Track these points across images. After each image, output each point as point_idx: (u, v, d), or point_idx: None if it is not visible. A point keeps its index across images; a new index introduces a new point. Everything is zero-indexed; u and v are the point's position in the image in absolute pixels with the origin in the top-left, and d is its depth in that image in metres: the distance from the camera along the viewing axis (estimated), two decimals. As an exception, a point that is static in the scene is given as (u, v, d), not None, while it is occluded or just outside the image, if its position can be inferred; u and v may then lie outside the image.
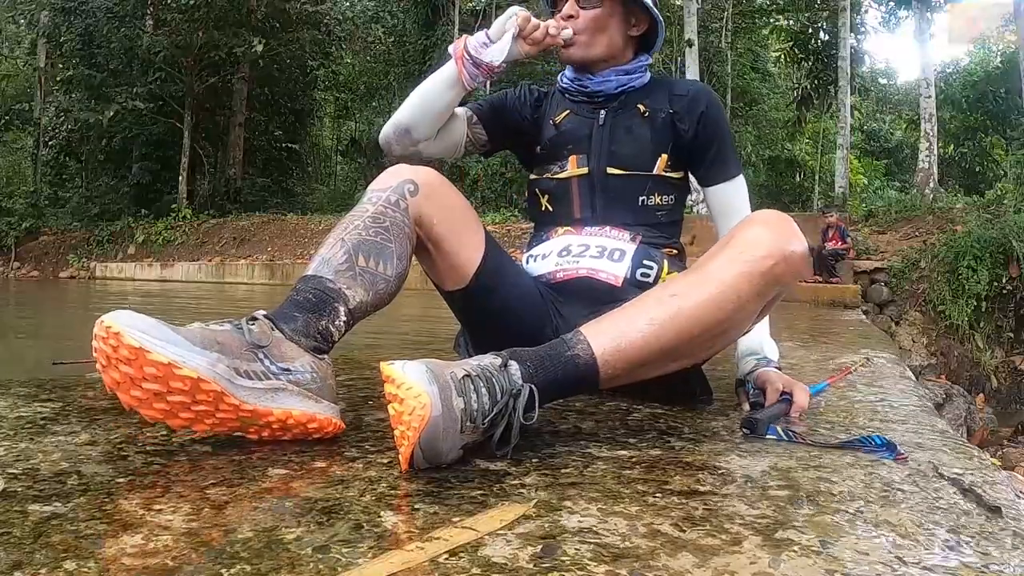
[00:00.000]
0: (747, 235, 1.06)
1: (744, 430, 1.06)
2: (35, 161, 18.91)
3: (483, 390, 0.85)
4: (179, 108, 16.53)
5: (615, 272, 1.29)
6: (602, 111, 1.41)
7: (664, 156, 1.37)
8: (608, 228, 1.36)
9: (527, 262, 1.40)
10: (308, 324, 0.98)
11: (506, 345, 0.99)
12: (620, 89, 1.41)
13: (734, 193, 1.39)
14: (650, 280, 1.30)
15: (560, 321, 1.26)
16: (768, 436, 1.04)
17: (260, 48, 15.11)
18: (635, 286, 1.26)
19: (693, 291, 1.01)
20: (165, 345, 0.82)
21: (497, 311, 1.26)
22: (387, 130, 1.41)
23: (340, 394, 1.10)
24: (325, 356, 0.99)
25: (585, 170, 1.39)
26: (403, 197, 1.13)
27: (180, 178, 16.58)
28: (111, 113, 15.41)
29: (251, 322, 0.93)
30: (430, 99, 1.37)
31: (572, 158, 1.40)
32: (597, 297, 1.25)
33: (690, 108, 1.38)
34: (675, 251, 1.40)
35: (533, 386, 0.89)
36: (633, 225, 1.36)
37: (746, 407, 1.23)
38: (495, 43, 1.32)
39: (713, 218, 1.41)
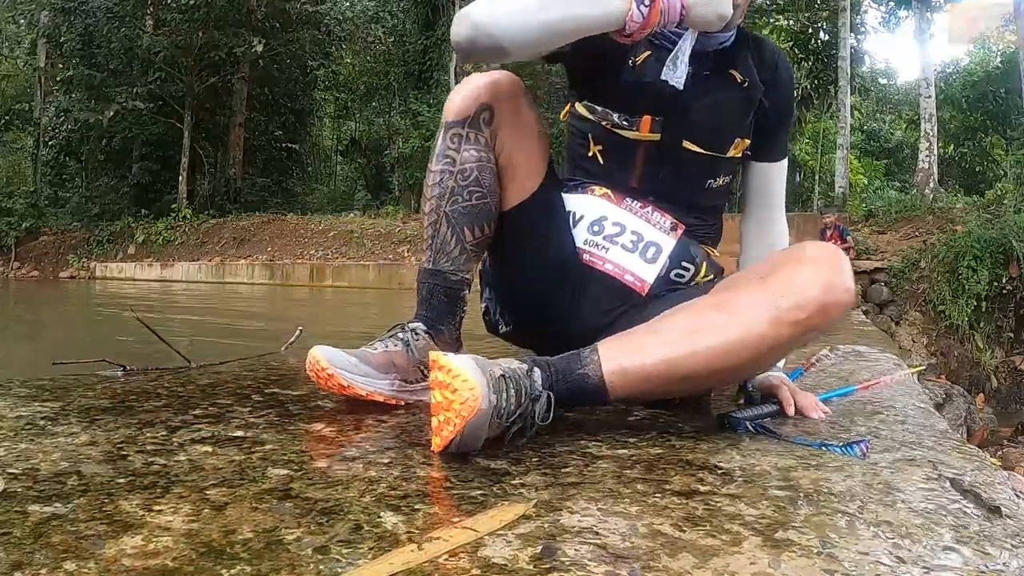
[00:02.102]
0: (794, 278, 0.96)
1: (726, 426, 1.05)
2: (35, 161, 18.92)
3: (511, 391, 0.88)
4: (179, 108, 16.54)
5: (643, 276, 1.19)
6: (690, 68, 1.15)
7: (745, 140, 1.23)
8: (651, 209, 1.21)
9: None
10: (451, 331, 1.21)
11: (520, 290, 1.17)
12: (720, 45, 1.21)
13: (778, 175, 1.30)
14: (684, 281, 1.21)
15: (580, 297, 1.20)
16: (739, 430, 1.03)
17: (260, 48, 15.12)
18: (666, 289, 1.19)
19: (719, 331, 0.95)
20: (364, 380, 1.10)
21: (524, 249, 1.23)
22: (473, 38, 1.06)
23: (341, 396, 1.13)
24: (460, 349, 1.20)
25: (657, 137, 1.20)
26: (480, 131, 1.15)
27: (180, 178, 16.59)
28: (111, 113, 15.42)
29: (416, 337, 1.16)
30: (562, 29, 1.05)
31: (646, 119, 1.19)
32: (618, 297, 1.19)
33: (776, 80, 1.24)
34: (715, 250, 1.30)
35: (551, 393, 0.93)
36: (684, 209, 1.23)
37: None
38: None
39: (748, 193, 1.31)
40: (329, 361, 1.07)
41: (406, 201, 15.83)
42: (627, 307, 1.18)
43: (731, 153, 1.24)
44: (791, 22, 17.76)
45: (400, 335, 1.17)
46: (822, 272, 0.96)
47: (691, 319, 0.99)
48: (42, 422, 1.00)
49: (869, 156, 23.00)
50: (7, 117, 19.16)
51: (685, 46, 1.10)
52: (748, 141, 1.25)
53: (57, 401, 1.14)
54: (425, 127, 15.15)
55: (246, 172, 18.09)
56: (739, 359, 0.96)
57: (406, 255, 12.09)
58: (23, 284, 14.59)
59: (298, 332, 1.93)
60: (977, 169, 18.97)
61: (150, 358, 1.60)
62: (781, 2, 17.29)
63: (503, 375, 0.89)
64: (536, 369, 0.95)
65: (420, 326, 1.18)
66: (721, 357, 0.96)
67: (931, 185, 11.64)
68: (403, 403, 1.14)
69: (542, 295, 1.22)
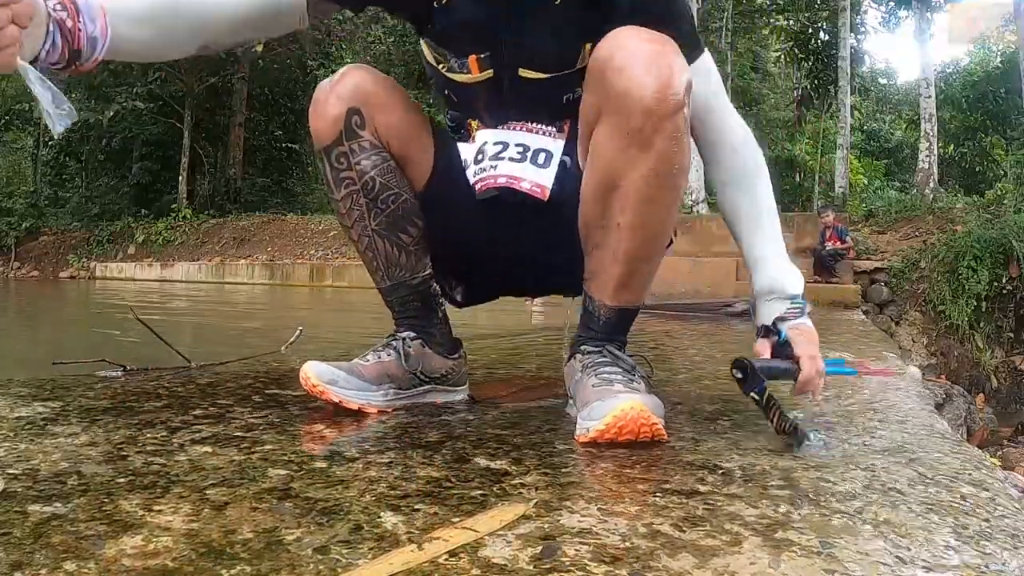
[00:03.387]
0: (612, 93, 0.96)
1: (734, 371, 1.00)
2: (35, 161, 18.93)
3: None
4: (179, 108, 16.55)
5: (539, 181, 1.12)
6: None
7: (592, 44, 1.03)
8: (528, 123, 1.15)
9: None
10: (440, 330, 1.23)
11: (454, 254, 1.22)
12: None
13: (704, 80, 1.08)
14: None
15: (497, 228, 1.17)
16: (751, 394, 1.00)
17: (260, 48, 15.13)
18: (573, 188, 1.10)
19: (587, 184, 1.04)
20: (354, 393, 1.11)
21: (446, 219, 1.19)
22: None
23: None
24: (455, 353, 1.24)
25: (490, 73, 1.11)
26: (359, 136, 1.12)
27: (180, 178, 16.60)
28: (111, 113, 15.43)
29: (407, 345, 1.17)
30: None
31: (472, 59, 1.11)
32: (525, 209, 1.12)
33: None
34: None
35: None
36: (556, 121, 1.15)
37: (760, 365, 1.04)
38: None
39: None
40: (319, 377, 1.08)
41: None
42: (538, 216, 1.13)
43: (584, 61, 1.06)
44: (791, 22, 17.77)
45: (393, 343, 1.18)
46: (633, 76, 0.94)
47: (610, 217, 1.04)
48: (42, 422, 1.00)
49: (869, 156, 23.01)
50: (7, 117, 19.16)
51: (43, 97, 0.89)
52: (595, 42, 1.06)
53: (57, 401, 1.14)
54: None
55: (246, 172, 18.10)
56: (616, 199, 1.01)
57: (406, 255, 12.06)
58: (23, 284, 14.59)
59: (298, 332, 1.93)
60: (977, 169, 18.98)
61: (150, 358, 1.60)
62: (781, 2, 17.31)
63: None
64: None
65: (410, 334, 1.19)
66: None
67: (931, 185, 11.65)
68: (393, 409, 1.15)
69: (470, 247, 1.22)
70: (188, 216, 15.64)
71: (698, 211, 11.39)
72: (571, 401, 1.10)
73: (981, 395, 6.60)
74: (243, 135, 17.75)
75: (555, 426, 1.08)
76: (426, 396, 1.21)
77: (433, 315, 1.23)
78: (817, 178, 18.74)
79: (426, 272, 1.21)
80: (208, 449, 0.90)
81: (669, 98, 0.94)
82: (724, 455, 0.93)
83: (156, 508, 0.69)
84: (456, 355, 1.25)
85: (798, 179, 20.41)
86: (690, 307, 4.39)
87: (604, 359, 1.06)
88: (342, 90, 1.12)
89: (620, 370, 1.05)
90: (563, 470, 0.85)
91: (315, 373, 1.09)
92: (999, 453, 4.61)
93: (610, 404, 0.94)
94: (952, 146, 19.27)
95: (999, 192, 10.81)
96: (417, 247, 1.19)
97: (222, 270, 13.56)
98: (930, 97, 12.23)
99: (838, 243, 7.92)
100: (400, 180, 1.16)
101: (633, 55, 0.95)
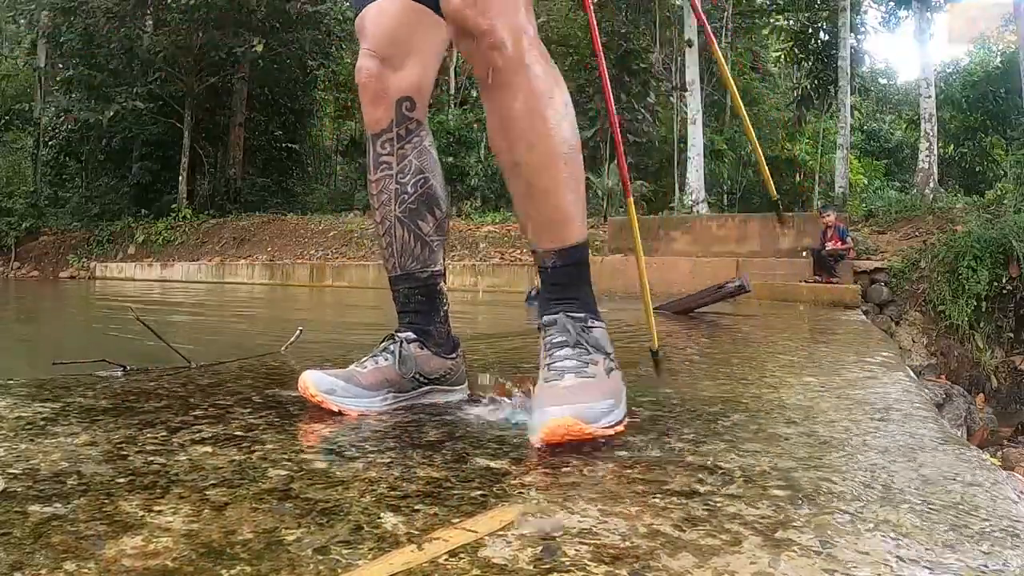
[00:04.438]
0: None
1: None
2: (35, 161, 18.92)
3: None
4: (179, 108, 16.54)
5: None
6: None
7: None
8: None
9: None
10: (439, 328, 1.23)
11: None
12: None
13: None
14: None
15: None
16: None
17: (260, 48, 15.13)
18: None
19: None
20: (353, 401, 1.12)
21: None
22: None
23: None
24: (454, 352, 1.24)
25: None
26: (408, 121, 1.18)
27: (180, 178, 16.59)
28: (111, 113, 15.43)
29: (405, 348, 1.18)
30: None
31: None
32: None
33: None
34: None
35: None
36: None
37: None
38: None
39: None
40: (317, 387, 1.10)
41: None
42: None
43: None
44: (791, 22, 17.77)
45: (391, 347, 1.20)
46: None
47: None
48: (42, 422, 1.00)
49: (869, 156, 22.99)
50: (7, 117, 19.17)
51: None
52: None
53: (57, 401, 1.14)
54: (425, 127, 15.12)
55: (246, 172, 18.09)
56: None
57: (406, 255, 12.05)
58: (23, 284, 14.60)
59: (298, 332, 1.93)
60: (977, 169, 18.95)
61: (150, 358, 1.60)
62: (781, 2, 17.31)
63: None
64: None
65: (409, 335, 1.21)
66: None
67: (931, 185, 11.64)
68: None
69: None
70: (188, 216, 15.64)
71: (698, 211, 11.39)
72: None
73: (981, 395, 6.60)
74: (243, 135, 17.74)
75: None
76: (426, 397, 1.22)
77: (435, 313, 1.24)
78: (817, 178, 18.72)
79: (436, 267, 1.23)
80: (208, 449, 0.90)
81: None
82: (724, 456, 0.93)
83: (156, 508, 0.69)
84: (454, 355, 1.26)
85: (798, 179, 20.38)
86: (685, 300, 4.39)
87: (559, 338, 1.07)
88: (398, 80, 1.17)
89: (574, 352, 1.05)
90: (563, 470, 0.85)
91: (313, 382, 1.10)
92: (999, 453, 4.61)
93: (538, 420, 0.94)
94: (952, 146, 19.25)
95: (999, 192, 10.80)
96: (434, 239, 1.22)
97: (222, 270, 13.56)
98: (930, 97, 12.23)
99: (839, 243, 7.91)
100: (433, 160, 1.21)
101: None
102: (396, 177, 1.19)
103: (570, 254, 1.11)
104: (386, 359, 1.18)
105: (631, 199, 1.49)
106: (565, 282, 1.11)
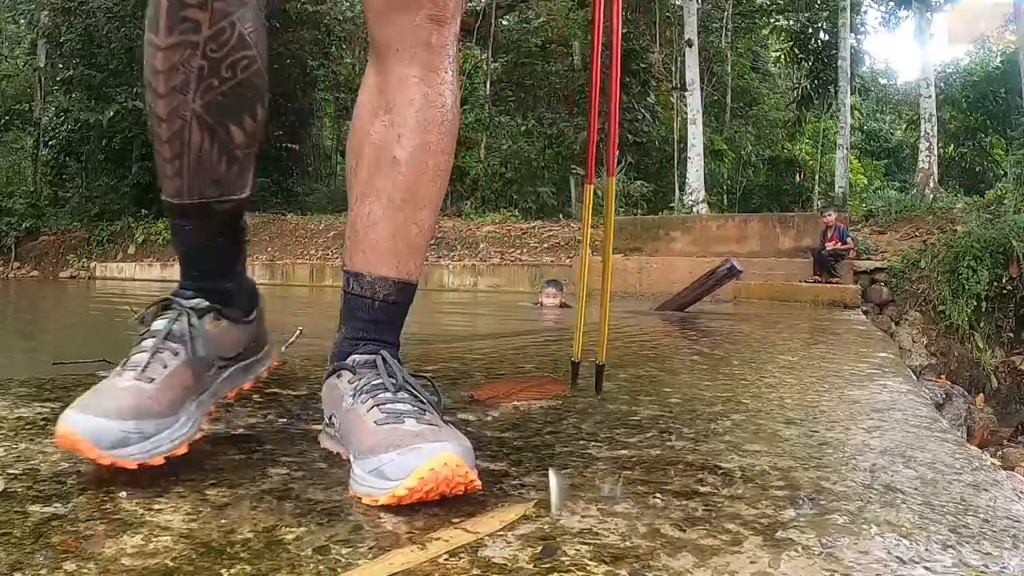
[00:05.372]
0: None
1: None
2: (35, 161, 18.91)
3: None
4: (179, 108, 16.50)
5: None
6: None
7: None
8: None
9: None
10: (238, 285, 0.95)
11: None
12: None
13: None
14: None
15: None
16: None
17: (260, 48, 15.09)
18: None
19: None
20: (154, 441, 0.76)
21: None
22: None
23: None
24: (252, 311, 0.99)
25: None
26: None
27: (180, 178, 16.55)
28: (111, 113, 15.43)
29: (194, 328, 0.86)
30: None
31: None
32: None
33: None
34: None
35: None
36: None
37: None
38: None
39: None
40: (98, 444, 0.72)
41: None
42: None
43: None
44: (791, 22, 17.78)
45: (175, 329, 0.83)
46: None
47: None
48: (42, 422, 1.00)
49: (869, 156, 23.00)
50: (7, 117, 19.15)
51: None
52: None
53: (57, 401, 1.14)
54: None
55: (246, 172, 18.07)
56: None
57: (406, 255, 12.06)
58: (23, 284, 14.60)
59: (298, 332, 1.93)
60: (977, 169, 18.96)
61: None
62: (781, 2, 17.31)
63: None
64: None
65: (199, 302, 0.86)
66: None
67: (931, 185, 11.65)
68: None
69: None
70: (188, 216, 15.62)
71: (698, 211, 11.39)
72: (329, 431, 0.86)
73: (981, 395, 6.60)
74: (243, 135, 17.73)
75: (555, 428, 1.08)
76: (225, 386, 0.92)
77: (236, 261, 0.93)
78: (817, 178, 18.72)
79: (244, 194, 0.88)
80: (208, 449, 0.90)
81: None
82: (724, 456, 0.93)
83: (156, 508, 0.69)
84: (252, 315, 0.96)
85: (798, 179, 20.38)
86: (682, 295, 4.40)
87: (382, 379, 0.82)
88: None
89: (408, 396, 0.80)
90: (563, 471, 0.85)
91: (91, 436, 0.72)
92: (999, 453, 4.62)
93: (414, 460, 0.70)
94: (952, 146, 19.26)
95: (999, 192, 10.79)
96: (246, 152, 0.87)
97: (222, 270, 13.56)
98: (930, 97, 12.24)
99: (839, 243, 7.91)
100: (263, 36, 0.84)
101: None
102: (204, 47, 0.78)
103: (407, 293, 0.91)
104: (175, 352, 0.82)
105: (613, 178, 1.37)
106: (392, 321, 0.90)
